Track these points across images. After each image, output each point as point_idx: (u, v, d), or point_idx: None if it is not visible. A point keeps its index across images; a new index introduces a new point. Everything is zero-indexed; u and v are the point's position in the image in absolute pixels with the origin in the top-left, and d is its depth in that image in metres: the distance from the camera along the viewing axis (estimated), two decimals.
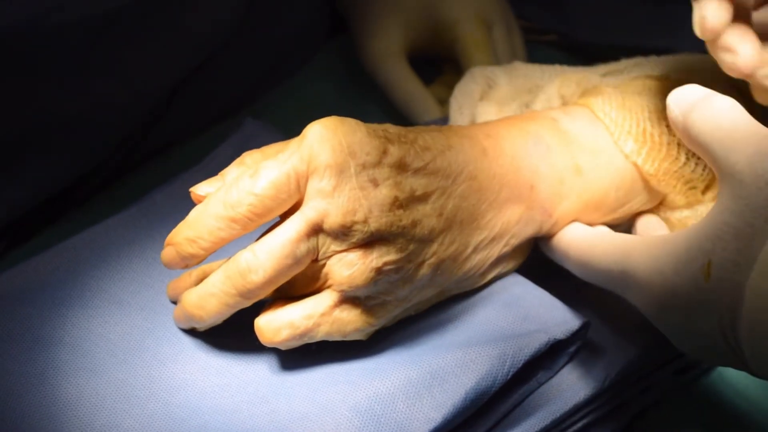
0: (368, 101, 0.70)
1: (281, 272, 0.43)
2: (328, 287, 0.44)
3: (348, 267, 0.43)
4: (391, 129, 0.45)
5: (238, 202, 0.42)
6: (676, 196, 0.50)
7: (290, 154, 0.43)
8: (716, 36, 0.44)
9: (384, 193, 0.43)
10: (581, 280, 0.49)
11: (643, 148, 0.49)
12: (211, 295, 0.44)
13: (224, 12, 0.63)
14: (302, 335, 0.44)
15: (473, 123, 0.55)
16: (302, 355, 0.47)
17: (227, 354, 0.48)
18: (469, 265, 0.47)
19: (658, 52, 0.55)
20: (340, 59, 0.76)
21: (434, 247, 0.45)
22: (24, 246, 0.60)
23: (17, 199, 0.59)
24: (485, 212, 0.46)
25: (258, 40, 0.68)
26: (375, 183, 0.43)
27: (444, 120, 0.62)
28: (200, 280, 0.46)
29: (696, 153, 0.43)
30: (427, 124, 0.64)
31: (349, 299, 0.44)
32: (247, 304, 0.44)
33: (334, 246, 0.43)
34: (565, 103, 0.54)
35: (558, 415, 0.47)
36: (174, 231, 0.45)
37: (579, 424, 0.48)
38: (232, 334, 0.48)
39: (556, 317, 0.47)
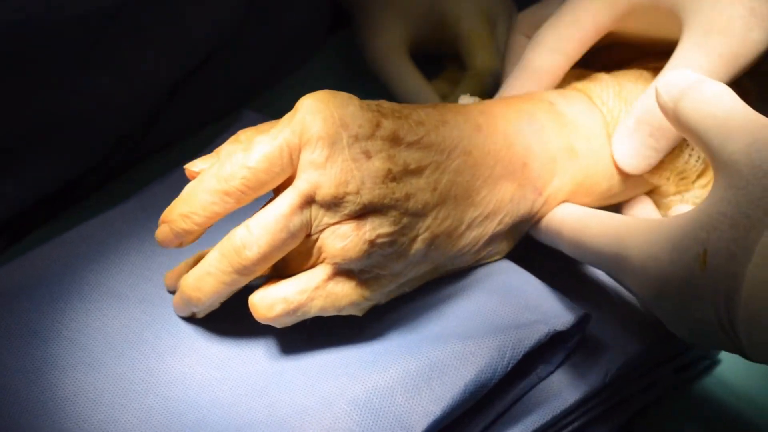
0: (370, 97, 0.70)
1: (276, 247, 0.43)
2: (322, 262, 0.44)
3: (341, 239, 0.43)
4: (385, 104, 0.45)
5: (232, 176, 0.42)
6: (668, 187, 0.50)
7: (282, 128, 0.43)
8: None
9: (377, 165, 0.43)
10: (580, 276, 0.48)
11: None
12: (207, 275, 0.44)
13: (224, 10, 0.63)
14: (296, 310, 0.44)
15: None
16: (301, 346, 0.47)
17: (225, 345, 0.47)
18: (463, 242, 0.47)
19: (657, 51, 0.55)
20: (342, 56, 0.76)
21: (428, 221, 0.45)
22: (23, 242, 0.60)
23: (16, 196, 0.59)
24: (480, 188, 0.46)
25: (258, 38, 0.68)
26: (368, 155, 0.43)
27: None
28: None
29: (688, 140, 0.43)
30: None
31: (342, 272, 0.44)
32: (244, 281, 0.44)
33: (327, 218, 0.43)
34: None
35: (558, 411, 0.46)
36: (168, 208, 0.45)
37: (579, 422, 0.48)
38: (231, 326, 0.48)
39: (556, 308, 0.47)
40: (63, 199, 0.62)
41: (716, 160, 0.40)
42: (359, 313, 0.46)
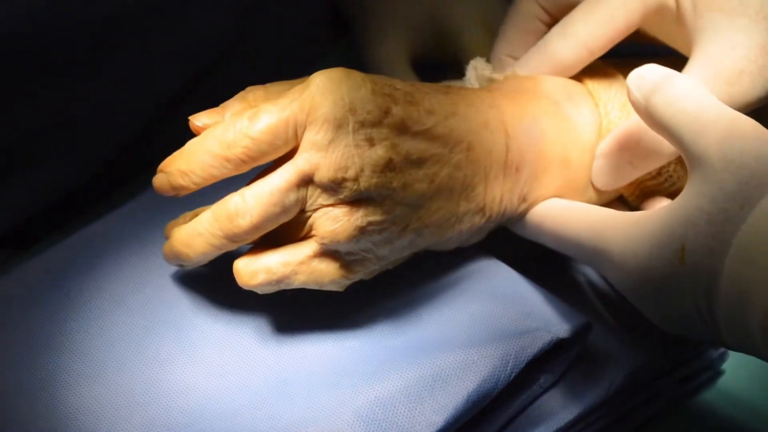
0: None
1: (268, 219, 0.43)
2: (311, 238, 0.44)
3: (333, 222, 0.43)
4: (399, 86, 0.45)
5: (234, 143, 0.42)
6: (633, 199, 0.51)
7: (291, 101, 0.42)
8: None
9: (379, 153, 0.42)
10: (581, 285, 0.48)
11: None
12: (198, 235, 0.44)
13: (227, 18, 0.63)
14: (279, 281, 0.44)
15: None
16: (303, 354, 0.47)
17: (228, 352, 0.47)
18: (450, 233, 0.47)
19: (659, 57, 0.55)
20: (343, 64, 0.75)
21: (420, 212, 0.45)
22: (29, 251, 0.60)
23: (21, 204, 0.59)
24: (476, 185, 0.46)
25: (260, 45, 0.68)
26: (371, 142, 0.42)
27: None
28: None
29: (661, 135, 0.43)
30: None
31: (328, 252, 0.44)
32: (233, 247, 0.44)
33: (322, 199, 0.43)
34: None
35: (562, 424, 0.46)
36: (168, 159, 0.45)
37: None
38: (233, 330, 0.48)
39: (557, 315, 0.47)
40: (68, 207, 0.62)
41: (690, 155, 0.40)
42: (340, 289, 0.46)
